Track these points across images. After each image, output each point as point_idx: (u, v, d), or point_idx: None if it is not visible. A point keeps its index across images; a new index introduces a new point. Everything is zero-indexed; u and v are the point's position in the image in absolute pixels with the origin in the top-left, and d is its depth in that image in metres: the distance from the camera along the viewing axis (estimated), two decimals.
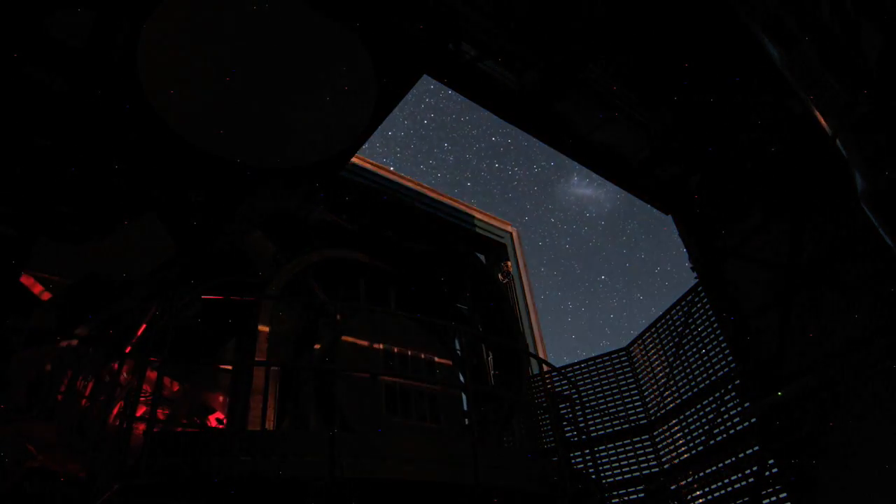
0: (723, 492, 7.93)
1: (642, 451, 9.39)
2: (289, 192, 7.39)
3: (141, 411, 5.12)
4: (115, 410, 5.30)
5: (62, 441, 5.37)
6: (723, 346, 8.58)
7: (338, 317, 6.53)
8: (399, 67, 6.36)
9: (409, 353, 6.30)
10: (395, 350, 6.23)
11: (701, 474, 8.32)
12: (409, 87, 6.75)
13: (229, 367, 6.66)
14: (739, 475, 7.80)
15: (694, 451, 8.57)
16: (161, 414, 6.04)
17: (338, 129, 6.74)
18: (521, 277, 12.39)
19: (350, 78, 6.22)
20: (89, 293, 6.61)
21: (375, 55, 6.05)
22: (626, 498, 9.17)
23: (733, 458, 7.94)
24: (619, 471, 9.42)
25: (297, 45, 5.86)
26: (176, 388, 6.17)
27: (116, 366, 5.72)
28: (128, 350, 6.23)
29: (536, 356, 10.23)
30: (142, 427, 4.74)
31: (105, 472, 4.09)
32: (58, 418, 5.52)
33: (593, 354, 11.22)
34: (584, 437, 9.03)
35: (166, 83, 5.74)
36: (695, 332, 9.10)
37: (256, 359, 5.90)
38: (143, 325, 6.38)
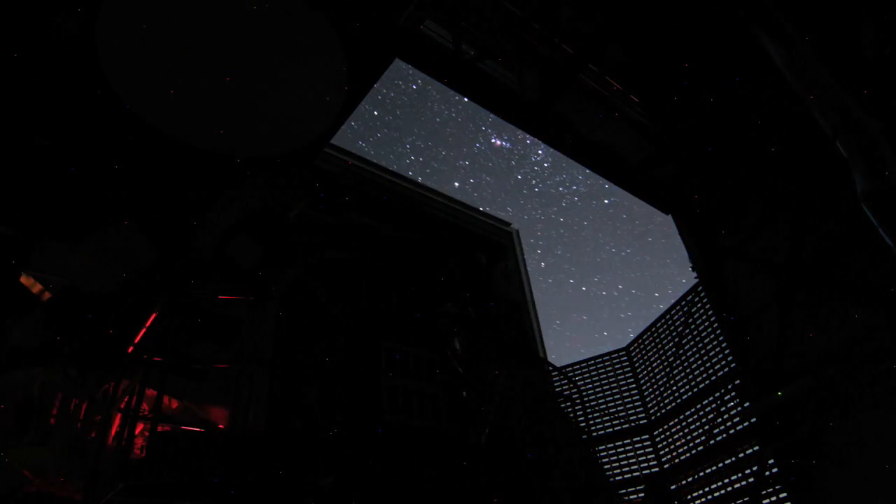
0: (723, 492, 7.94)
1: (642, 451, 9.40)
2: (268, 184, 7.26)
3: (139, 429, 5.04)
4: (113, 432, 5.22)
5: (59, 465, 5.25)
6: (723, 346, 8.58)
7: (338, 316, 6.53)
8: (370, 52, 6.29)
9: (410, 352, 6.30)
10: (396, 349, 6.23)
11: (701, 474, 8.32)
12: (381, 72, 6.73)
13: (231, 372, 6.61)
14: (739, 475, 7.80)
15: (694, 451, 8.57)
16: (161, 430, 5.88)
17: (310, 116, 6.64)
18: (521, 276, 12.38)
19: (320, 63, 6.14)
20: (71, 307, 6.40)
21: (345, 39, 5.97)
22: (626, 498, 9.17)
23: (733, 458, 7.94)
24: (619, 471, 9.43)
25: (264, 29, 5.75)
26: (175, 405, 6.06)
27: (111, 388, 5.58)
28: (130, 350, 6.19)
29: (537, 355, 10.23)
30: (140, 442, 4.70)
31: (106, 475, 4.09)
32: (53, 442, 5.39)
33: (593, 354, 11.21)
34: (584, 436, 9.04)
35: (131, 73, 5.57)
36: (695, 332, 9.10)
37: (258, 360, 5.89)
38: (140, 333, 6.29)
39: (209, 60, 5.76)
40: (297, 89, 6.30)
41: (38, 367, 5.71)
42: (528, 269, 12.65)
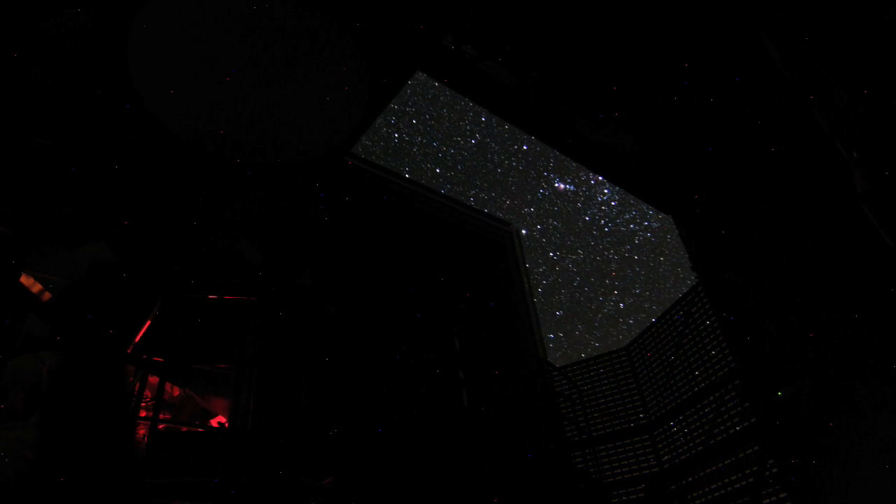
0: (723, 492, 7.93)
1: (642, 451, 9.39)
2: (284, 190, 7.30)
3: (142, 416, 5.07)
4: None
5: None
6: (723, 346, 8.57)
7: (337, 316, 6.53)
8: (391, 64, 6.31)
9: (411, 352, 6.31)
10: (396, 349, 6.23)
11: (701, 474, 8.31)
12: (403, 83, 6.73)
13: (230, 371, 6.63)
14: (739, 475, 7.80)
15: (694, 451, 8.57)
16: (161, 428, 5.95)
17: (332, 124, 6.67)
18: (521, 277, 12.38)
19: (343, 74, 6.16)
20: (86, 295, 6.49)
21: (368, 51, 5.99)
22: (625, 498, 9.17)
23: (733, 458, 7.94)
24: (618, 470, 9.43)
25: (287, 39, 5.79)
26: (177, 392, 6.10)
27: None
28: (129, 350, 6.20)
29: (536, 356, 10.22)
30: (142, 431, 4.72)
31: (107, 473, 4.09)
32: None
33: (594, 354, 11.21)
34: (584, 436, 9.05)
35: (157, 79, 5.62)
36: (695, 332, 9.10)
37: (258, 359, 5.89)
38: (145, 327, 6.34)
39: (230, 68, 5.80)
40: (317, 98, 6.32)
41: (47, 351, 5.76)
42: (529, 268, 12.65)
